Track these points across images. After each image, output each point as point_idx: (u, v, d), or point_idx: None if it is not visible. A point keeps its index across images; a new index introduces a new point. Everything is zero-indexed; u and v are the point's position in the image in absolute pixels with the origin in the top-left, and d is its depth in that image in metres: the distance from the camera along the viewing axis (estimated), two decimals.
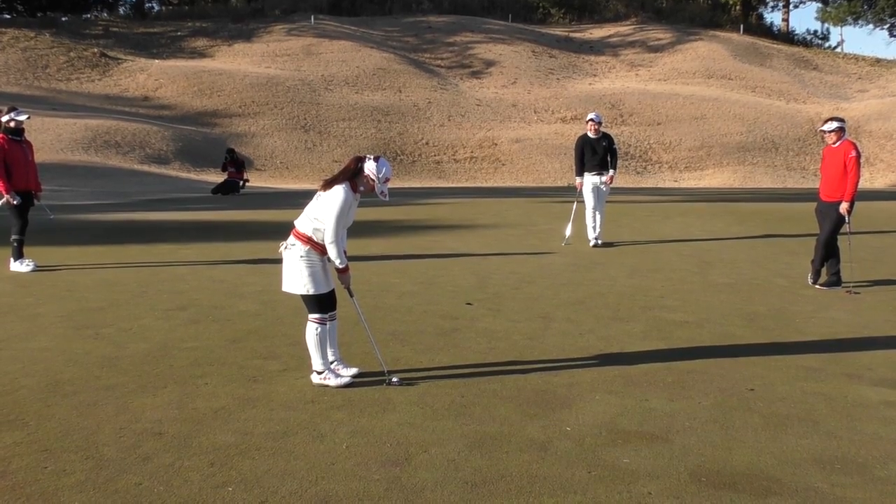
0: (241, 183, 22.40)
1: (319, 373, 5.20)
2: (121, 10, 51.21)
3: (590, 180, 11.97)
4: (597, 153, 11.91)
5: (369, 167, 5.05)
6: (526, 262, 10.46)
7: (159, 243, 11.79)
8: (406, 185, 27.33)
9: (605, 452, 4.18)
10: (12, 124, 9.35)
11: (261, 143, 31.08)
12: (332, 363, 5.30)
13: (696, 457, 4.13)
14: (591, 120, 11.95)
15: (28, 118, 9.58)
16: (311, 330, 5.17)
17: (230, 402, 4.86)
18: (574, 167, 12.35)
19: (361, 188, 5.11)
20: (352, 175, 5.08)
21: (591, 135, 11.96)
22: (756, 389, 5.21)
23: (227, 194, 21.58)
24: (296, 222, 5.19)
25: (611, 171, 12.03)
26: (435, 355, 5.93)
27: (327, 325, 5.23)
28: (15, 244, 9.50)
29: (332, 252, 5.04)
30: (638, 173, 31.72)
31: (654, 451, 4.21)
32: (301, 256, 5.08)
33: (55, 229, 12.08)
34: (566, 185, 12.39)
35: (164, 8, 52.83)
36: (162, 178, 25.44)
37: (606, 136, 12.08)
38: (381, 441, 4.29)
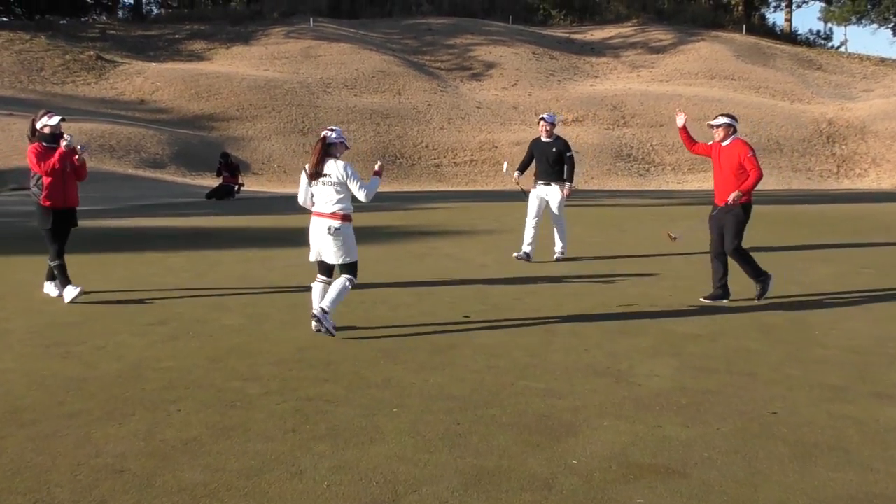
0: (236, 188, 22.01)
1: (326, 312, 6.15)
2: (119, 14, 50.85)
3: (535, 191, 10.47)
4: (546, 159, 10.28)
5: (335, 136, 6.32)
6: (527, 269, 10.02)
7: (146, 251, 11.33)
8: (405, 188, 26.90)
9: (616, 490, 3.75)
10: (46, 130, 7.80)
11: (258, 146, 30.67)
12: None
13: (717, 495, 3.70)
14: (543, 119, 10.30)
15: (63, 120, 7.98)
16: (347, 285, 6.31)
17: (203, 433, 4.42)
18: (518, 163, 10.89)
19: (338, 155, 6.35)
20: (330, 152, 6.32)
21: (543, 138, 10.33)
22: (779, 413, 4.78)
23: (221, 199, 21.17)
24: (326, 209, 6.24)
25: (567, 184, 10.36)
26: (429, 375, 5.49)
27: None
28: (55, 271, 8.00)
29: (372, 192, 6.35)
30: (641, 175, 31.28)
31: (671, 487, 3.77)
32: (350, 232, 6.33)
33: (37, 238, 11.64)
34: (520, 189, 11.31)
35: (162, 11, 52.47)
36: (157, 183, 25.00)
37: (560, 141, 10.39)
38: (367, 478, 3.85)
